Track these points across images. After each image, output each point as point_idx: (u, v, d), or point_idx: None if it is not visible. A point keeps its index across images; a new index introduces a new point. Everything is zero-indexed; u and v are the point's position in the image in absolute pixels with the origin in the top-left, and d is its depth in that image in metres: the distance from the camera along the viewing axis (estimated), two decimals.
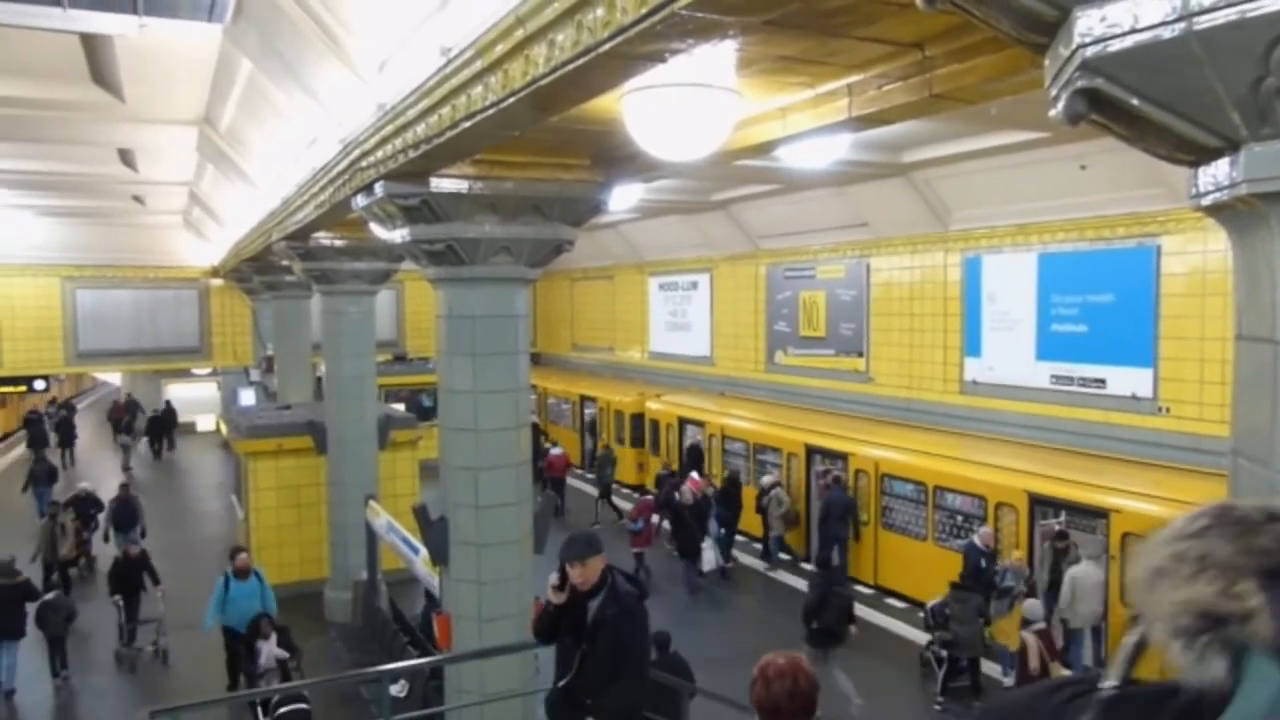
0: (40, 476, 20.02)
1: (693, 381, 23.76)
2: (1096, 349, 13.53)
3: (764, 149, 6.88)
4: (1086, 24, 2.18)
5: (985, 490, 13.13)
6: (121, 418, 27.79)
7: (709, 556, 15.63)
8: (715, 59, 4.63)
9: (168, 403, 31.12)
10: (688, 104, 4.99)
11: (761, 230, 20.66)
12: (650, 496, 17.10)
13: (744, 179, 17.12)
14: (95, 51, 10.21)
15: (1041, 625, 10.12)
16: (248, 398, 26.24)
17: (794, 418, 18.27)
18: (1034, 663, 9.71)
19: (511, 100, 4.76)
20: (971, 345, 15.64)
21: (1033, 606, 10.49)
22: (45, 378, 28.76)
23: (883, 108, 5.40)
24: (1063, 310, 14.04)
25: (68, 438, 27.27)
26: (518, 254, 7.90)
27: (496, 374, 8.06)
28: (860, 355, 18.18)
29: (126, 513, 16.28)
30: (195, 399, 33.11)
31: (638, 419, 22.91)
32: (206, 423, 32.24)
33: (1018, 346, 14.73)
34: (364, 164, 7.48)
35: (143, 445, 29.00)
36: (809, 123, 5.97)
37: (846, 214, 17.68)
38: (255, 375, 28.63)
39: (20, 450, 28.14)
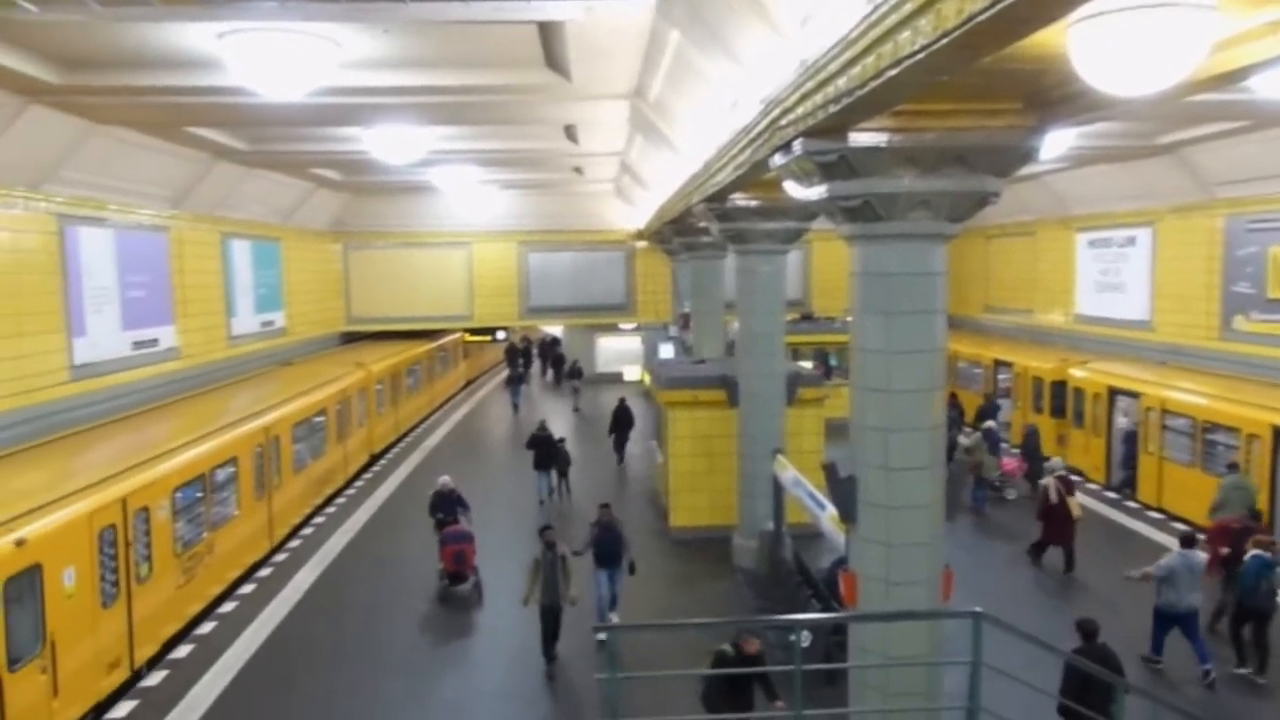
0: (514, 380, 33.63)
1: (1125, 348, 21.30)
2: None
3: (1238, 77, 5.87)
4: None
5: None
6: (517, 356, 38.47)
7: None
8: None
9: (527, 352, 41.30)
10: (1151, 28, 4.37)
11: (1219, 176, 17.80)
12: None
13: (1201, 116, 14.84)
14: (549, 37, 11.42)
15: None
16: (666, 352, 28.30)
17: (1259, 393, 15.65)
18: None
19: (943, 42, 4.51)
20: None
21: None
22: (505, 329, 34.67)
23: None
24: None
25: (528, 361, 41.20)
26: (937, 208, 7.55)
27: (911, 334, 7.81)
28: None
29: (610, 539, 12.57)
30: (622, 351, 36.45)
31: (1058, 387, 21.11)
32: (632, 373, 35.30)
33: None
34: (783, 122, 7.58)
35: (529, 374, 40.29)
36: None
37: None
38: (673, 331, 30.76)
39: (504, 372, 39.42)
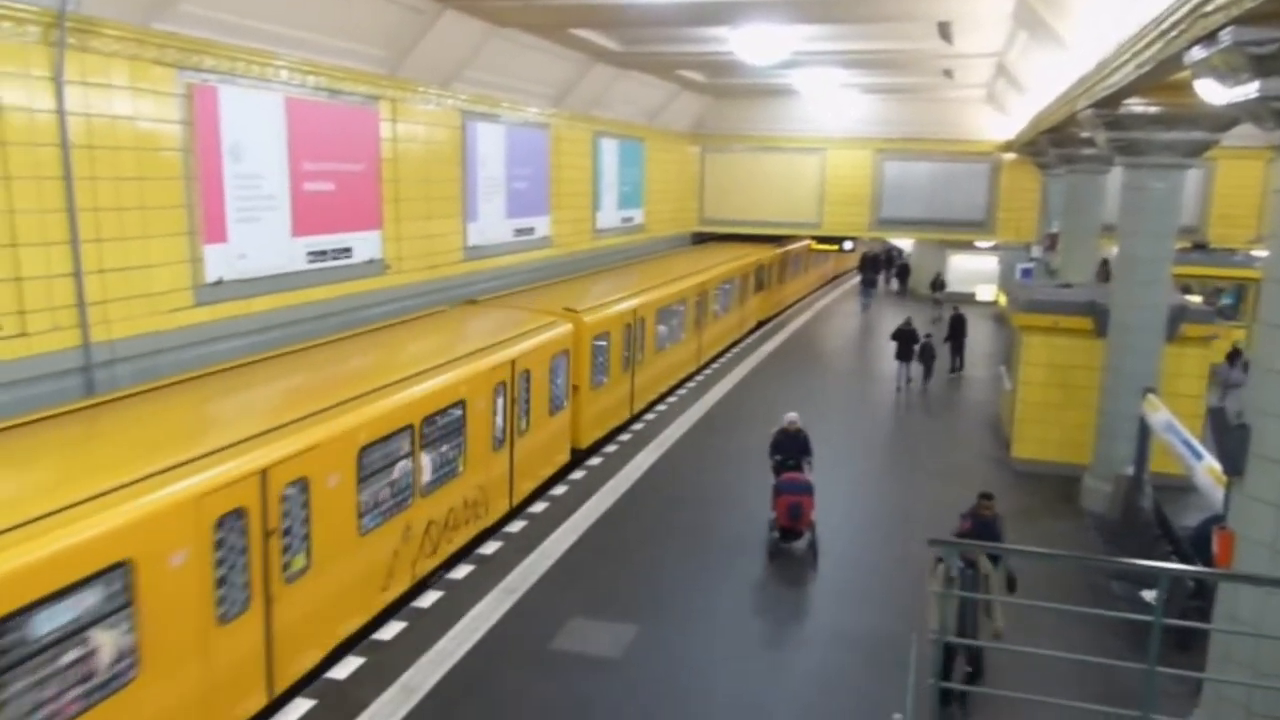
0: (867, 284, 36.27)
1: None
2: None
3: None
4: None
5: None
6: (870, 264, 38.35)
7: None
8: None
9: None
10: None
11: None
12: None
13: None
14: None
15: None
16: (1026, 273, 26.32)
17: None
18: None
19: None
20: None
21: None
22: (852, 239, 35.80)
23: None
24: None
25: (876, 269, 40.07)
26: None
27: None
28: None
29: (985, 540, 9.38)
30: (975, 270, 34.52)
31: None
32: (985, 293, 33.37)
33: None
34: (1208, 8, 6.56)
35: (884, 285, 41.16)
36: None
37: None
38: (1036, 252, 28.46)
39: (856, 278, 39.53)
